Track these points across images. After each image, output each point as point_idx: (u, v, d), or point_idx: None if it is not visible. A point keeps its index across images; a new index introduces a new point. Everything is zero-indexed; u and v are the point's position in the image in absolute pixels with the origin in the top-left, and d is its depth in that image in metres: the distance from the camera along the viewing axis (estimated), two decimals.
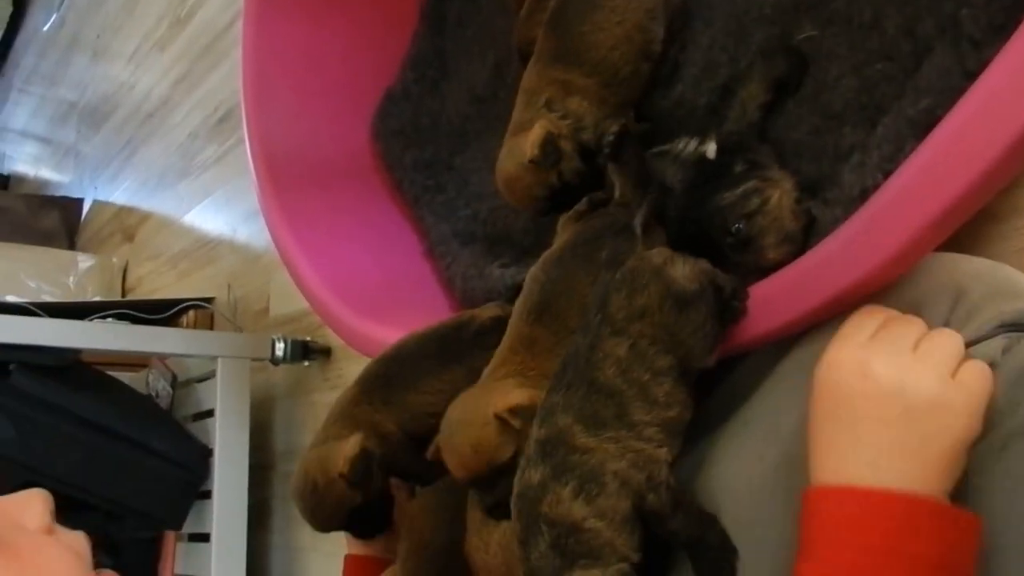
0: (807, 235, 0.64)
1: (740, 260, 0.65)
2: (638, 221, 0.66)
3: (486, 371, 0.66)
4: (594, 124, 0.79)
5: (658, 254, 0.60)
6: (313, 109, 1.14)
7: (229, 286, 1.96)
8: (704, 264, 0.60)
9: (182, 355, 1.50)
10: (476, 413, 0.62)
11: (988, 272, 0.54)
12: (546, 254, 0.70)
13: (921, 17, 0.62)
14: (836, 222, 0.61)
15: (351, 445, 0.70)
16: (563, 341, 0.63)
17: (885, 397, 0.48)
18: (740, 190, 0.65)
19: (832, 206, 0.63)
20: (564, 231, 0.76)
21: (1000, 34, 0.54)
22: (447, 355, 0.70)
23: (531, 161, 0.76)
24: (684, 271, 0.58)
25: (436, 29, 1.12)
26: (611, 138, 0.74)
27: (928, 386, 0.47)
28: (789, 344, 0.61)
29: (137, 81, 2.74)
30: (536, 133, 0.76)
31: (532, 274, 0.69)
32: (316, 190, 1.11)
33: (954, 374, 0.48)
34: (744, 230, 0.64)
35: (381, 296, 1.01)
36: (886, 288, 0.55)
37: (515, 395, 0.61)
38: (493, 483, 0.61)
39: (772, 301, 0.59)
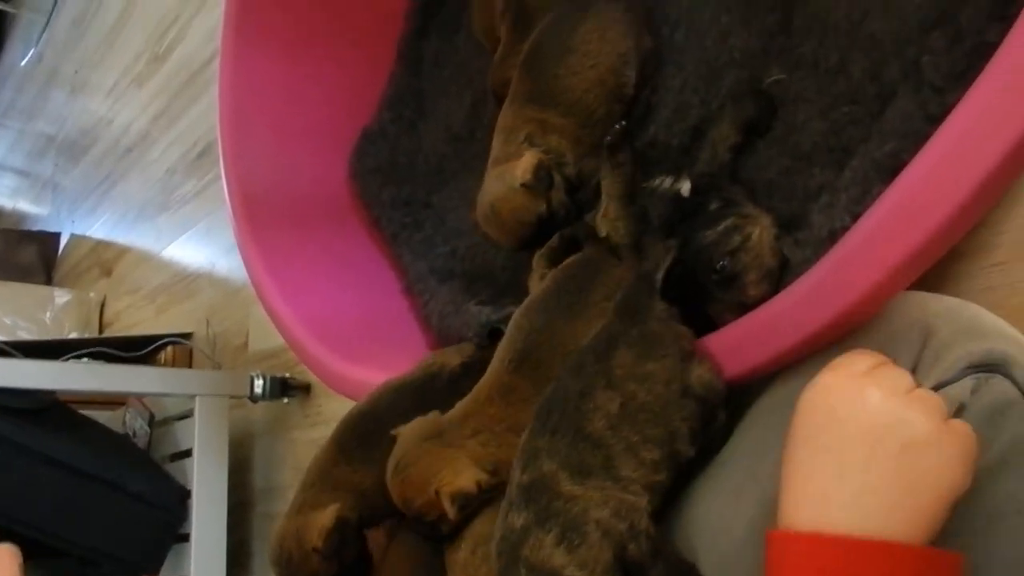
0: (782, 273, 0.65)
1: (723, 296, 0.66)
2: (660, 275, 0.66)
3: (455, 414, 0.66)
4: (574, 161, 0.80)
5: (687, 338, 0.60)
6: (291, 147, 1.15)
7: (208, 321, 1.94)
8: (721, 383, 0.60)
9: (159, 394, 1.48)
10: (423, 477, 0.63)
11: (955, 311, 0.55)
12: (530, 299, 0.70)
13: (886, 62, 0.63)
14: (807, 263, 0.62)
15: (327, 517, 0.69)
16: (542, 392, 0.63)
17: (882, 427, 0.44)
18: (721, 227, 0.66)
19: (803, 246, 0.64)
20: (539, 268, 0.76)
21: (961, 81, 0.56)
22: (423, 408, 0.70)
23: (523, 185, 0.76)
24: (701, 371, 0.58)
25: (413, 70, 1.13)
26: (617, 128, 0.74)
27: (926, 425, 0.44)
28: (764, 383, 0.62)
29: (115, 116, 2.73)
30: (529, 159, 0.76)
31: (515, 320, 0.69)
32: (293, 228, 1.11)
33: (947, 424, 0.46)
34: (728, 267, 0.64)
35: (359, 335, 1.01)
36: (856, 327, 0.56)
37: (464, 477, 0.61)
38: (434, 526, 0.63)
39: (745, 343, 0.60)
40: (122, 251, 2.73)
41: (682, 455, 0.57)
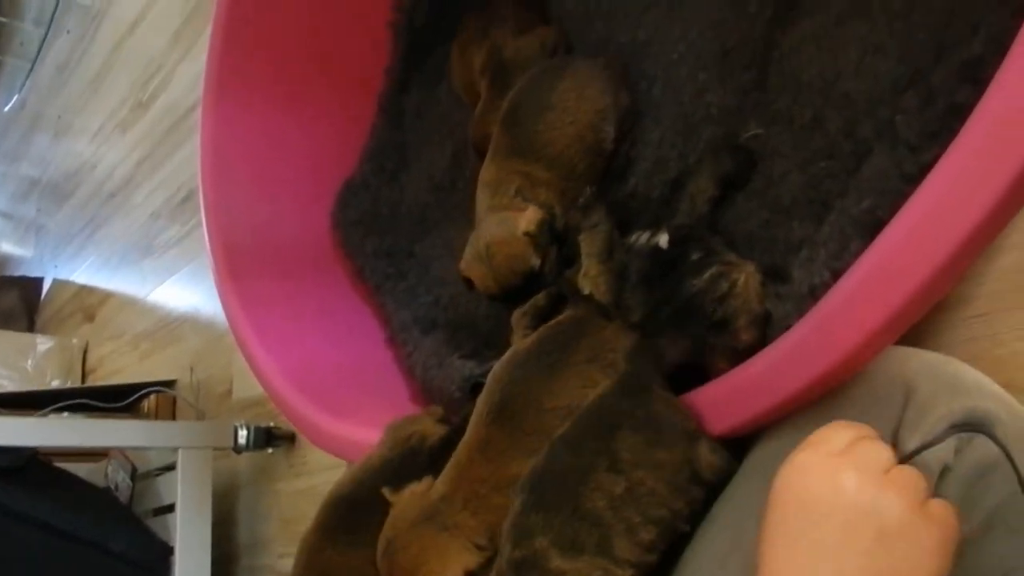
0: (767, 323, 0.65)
1: (717, 343, 0.65)
2: (663, 342, 0.66)
3: (446, 488, 0.65)
4: (561, 215, 0.80)
5: (691, 417, 0.59)
6: (273, 197, 1.15)
7: (192, 369, 1.93)
8: (728, 464, 0.59)
9: (141, 448, 1.46)
10: (413, 564, 0.62)
11: (936, 367, 0.55)
12: (509, 353, 0.69)
13: (860, 120, 0.64)
14: (788, 318, 0.62)
15: None
16: (518, 443, 0.63)
17: (857, 514, 0.43)
18: (707, 275, 0.65)
19: (784, 301, 0.64)
20: (520, 327, 0.75)
21: (935, 140, 0.56)
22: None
23: (527, 233, 0.75)
24: (711, 458, 0.58)
25: (395, 123, 1.14)
26: (588, 192, 0.74)
27: (902, 512, 0.43)
28: (754, 437, 0.61)
29: (99, 161, 2.73)
30: (534, 213, 0.76)
31: (495, 373, 0.68)
32: (275, 278, 1.11)
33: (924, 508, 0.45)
34: (720, 313, 0.64)
35: (342, 387, 1.00)
36: (839, 386, 0.55)
37: (453, 569, 0.60)
38: None
39: (728, 401, 0.59)
40: (105, 296, 2.71)
41: (678, 532, 0.56)
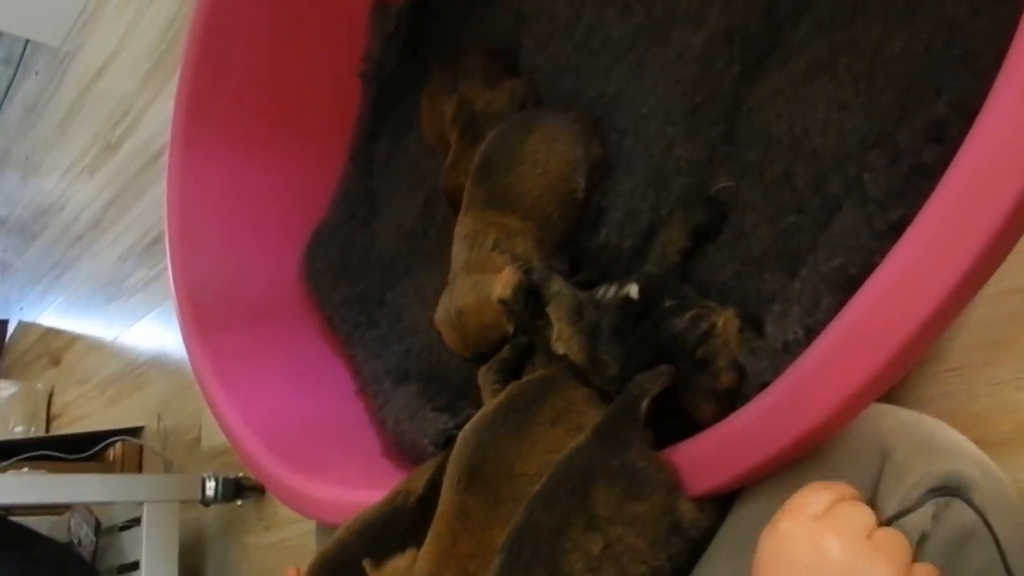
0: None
1: (700, 383, 0.64)
2: (646, 402, 0.64)
3: (425, 565, 0.63)
4: (539, 264, 0.79)
5: (670, 469, 0.58)
6: (240, 245, 1.13)
7: (159, 416, 1.88)
8: (711, 521, 0.58)
9: (105, 503, 1.42)
10: None
11: (912, 427, 0.54)
12: (479, 414, 0.68)
13: (828, 176, 0.64)
14: (763, 374, 0.62)
15: None
16: (495, 513, 0.61)
17: None
18: (688, 316, 0.65)
19: (759, 356, 0.63)
20: (487, 383, 0.74)
21: (902, 198, 0.56)
22: (390, 552, 0.66)
23: (501, 300, 0.73)
24: (695, 515, 0.56)
25: (365, 171, 1.13)
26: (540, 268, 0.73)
27: None
28: (734, 495, 0.60)
29: (67, 202, 2.70)
30: (511, 275, 0.74)
31: (463, 436, 0.67)
32: (244, 329, 1.09)
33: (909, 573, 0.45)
34: (701, 352, 0.63)
35: (311, 443, 0.98)
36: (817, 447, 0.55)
37: None
38: None
39: (701, 462, 0.58)
40: (72, 339, 2.66)
41: None
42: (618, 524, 0.54)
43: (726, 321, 0.65)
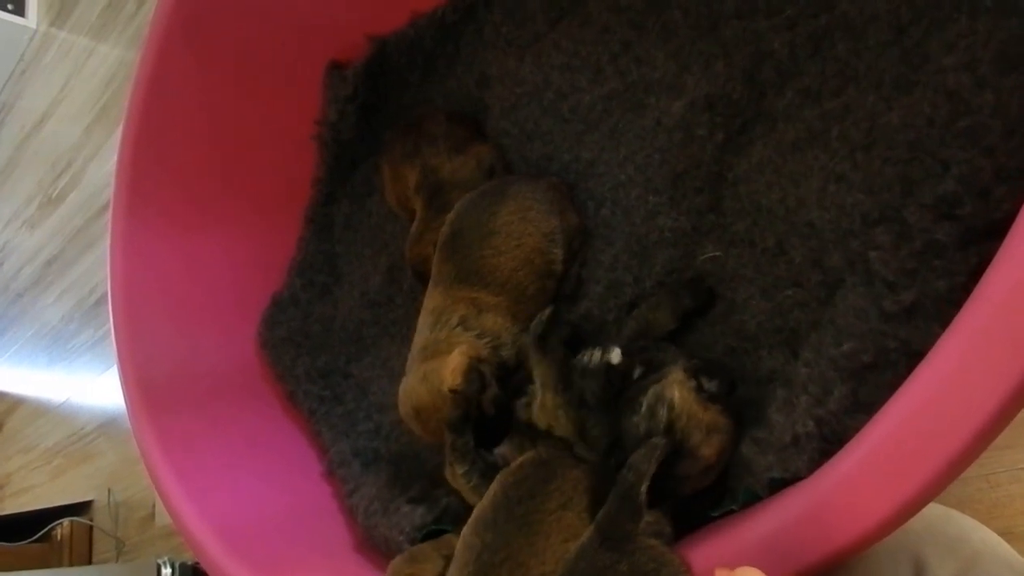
0: (730, 417, 0.60)
1: (687, 472, 0.60)
2: (643, 489, 0.59)
3: None
4: (512, 340, 0.75)
5: (682, 569, 0.53)
6: (192, 319, 1.05)
7: (109, 490, 1.78)
8: None
9: None
10: None
11: (940, 529, 0.51)
12: (477, 513, 0.62)
13: (827, 250, 0.60)
14: (770, 470, 0.57)
15: None
16: None
17: None
18: (644, 409, 0.61)
19: (764, 450, 0.59)
20: (456, 480, 0.69)
21: (914, 278, 0.53)
22: None
23: (452, 390, 0.70)
24: None
25: (324, 235, 1.07)
26: (543, 316, 0.68)
27: None
28: None
29: (6, 257, 2.58)
30: (458, 360, 0.71)
31: (464, 539, 0.61)
32: (198, 410, 1.01)
33: None
34: (669, 444, 0.59)
35: (277, 537, 0.90)
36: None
37: None
38: None
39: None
40: (15, 403, 2.53)
41: None
42: None
43: (679, 390, 0.61)
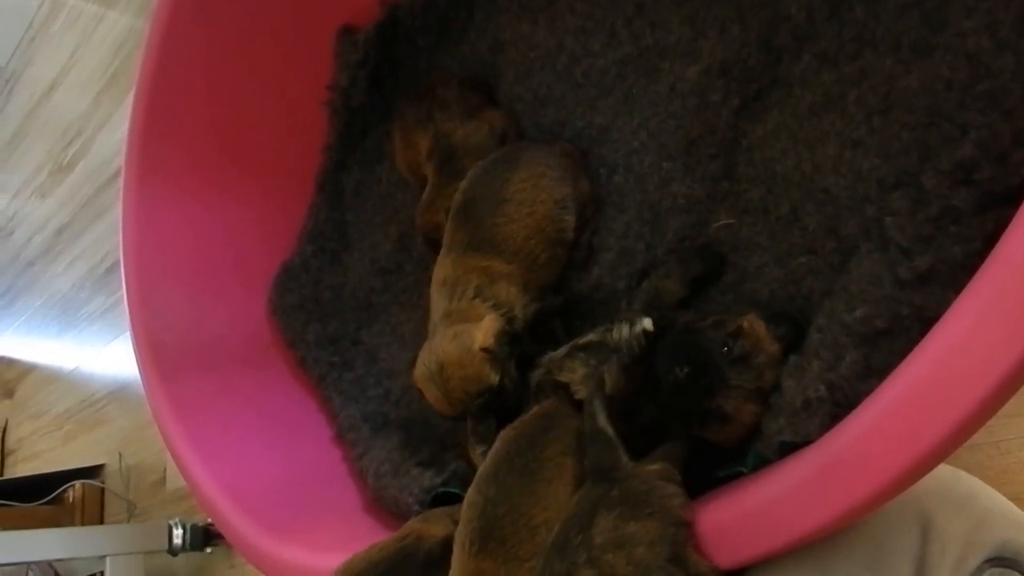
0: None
1: (740, 380, 0.58)
2: (602, 422, 0.60)
3: None
4: (522, 310, 0.75)
5: (680, 501, 0.54)
6: (203, 286, 1.06)
7: (120, 454, 1.80)
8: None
9: (65, 559, 1.33)
10: None
11: (950, 489, 0.51)
12: (480, 471, 0.63)
13: (842, 217, 0.60)
14: (780, 433, 0.57)
15: None
16: (514, 573, 0.56)
17: None
18: (709, 321, 0.60)
19: (775, 414, 0.58)
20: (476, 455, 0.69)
21: (929, 244, 0.52)
22: None
23: (484, 349, 0.70)
24: (702, 567, 0.52)
25: (334, 202, 1.07)
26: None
27: None
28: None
29: (17, 226, 2.59)
30: (492, 323, 0.71)
31: (469, 498, 0.61)
32: (209, 375, 1.02)
33: None
34: (736, 348, 0.58)
35: (288, 498, 0.91)
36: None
37: None
38: None
39: (726, 535, 0.54)
40: (26, 371, 2.56)
41: None
42: (610, 550, 0.50)
43: (751, 322, 0.60)
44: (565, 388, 0.70)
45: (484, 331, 0.69)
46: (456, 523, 0.72)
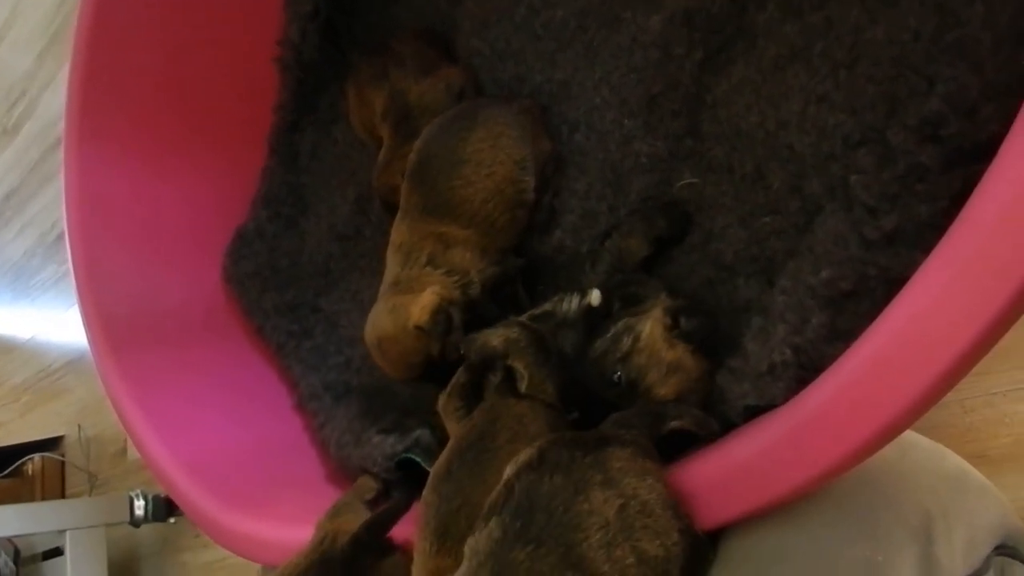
0: (703, 358, 0.60)
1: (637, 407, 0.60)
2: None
3: None
4: (479, 275, 0.73)
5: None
6: (154, 255, 1.02)
7: (79, 425, 1.76)
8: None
9: (23, 535, 1.31)
10: None
11: (939, 465, 0.51)
12: (434, 471, 0.61)
13: (807, 175, 0.58)
14: (745, 397, 0.56)
15: None
16: None
17: None
18: (610, 334, 0.61)
19: (739, 378, 0.58)
20: (450, 416, 0.67)
21: (895, 203, 0.51)
22: None
23: (417, 327, 0.69)
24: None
25: (288, 164, 1.03)
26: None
27: None
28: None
29: None
30: (429, 299, 0.70)
31: (425, 498, 0.60)
32: (164, 348, 0.99)
33: None
34: (623, 376, 0.59)
35: (249, 471, 0.89)
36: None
37: None
38: None
39: (704, 495, 0.52)
40: None
41: None
42: (632, 476, 0.49)
43: (652, 326, 0.60)
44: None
45: (420, 307, 0.68)
46: (365, 502, 0.72)
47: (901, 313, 0.41)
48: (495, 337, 0.64)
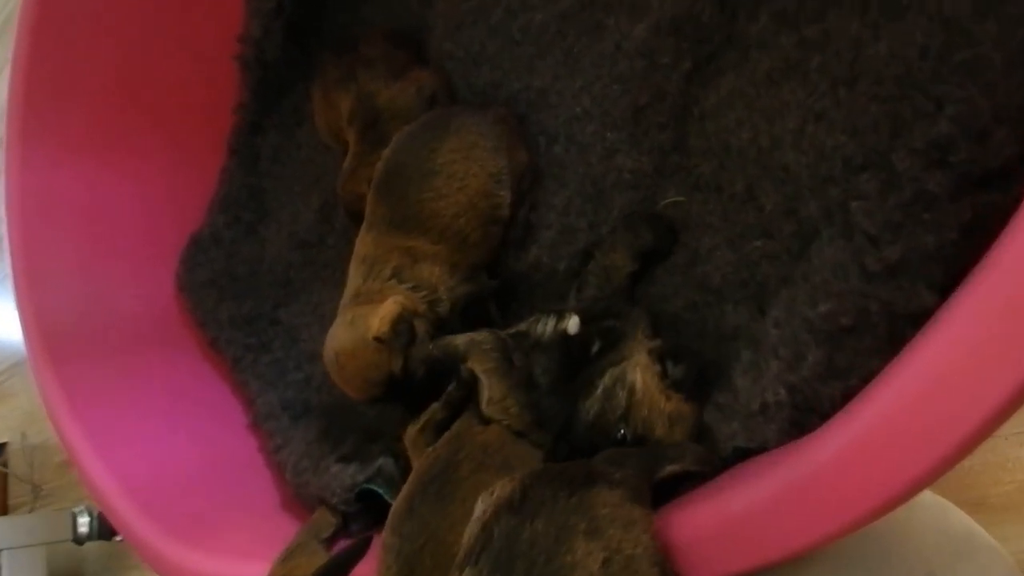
0: (694, 402, 0.56)
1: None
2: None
3: None
4: (448, 292, 0.69)
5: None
6: (101, 263, 0.96)
7: (23, 434, 1.67)
8: None
9: None
10: None
11: (943, 525, 0.47)
12: (393, 509, 0.57)
13: (802, 198, 0.55)
14: (734, 437, 0.53)
15: None
16: None
17: None
18: (600, 391, 0.57)
19: (728, 417, 0.54)
20: (417, 447, 0.63)
21: (899, 232, 0.47)
22: None
23: (377, 338, 0.64)
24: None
25: (249, 168, 0.98)
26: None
27: None
28: None
29: None
30: (389, 308, 0.65)
31: (385, 542, 0.55)
32: (109, 359, 0.93)
33: None
34: (628, 434, 0.55)
35: (197, 494, 0.84)
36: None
37: None
38: None
39: (697, 551, 0.48)
40: None
41: None
42: (617, 527, 0.45)
43: (643, 376, 0.56)
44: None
45: (382, 317, 0.63)
46: (321, 541, 0.69)
47: (926, 368, 0.37)
48: (460, 337, 0.60)
